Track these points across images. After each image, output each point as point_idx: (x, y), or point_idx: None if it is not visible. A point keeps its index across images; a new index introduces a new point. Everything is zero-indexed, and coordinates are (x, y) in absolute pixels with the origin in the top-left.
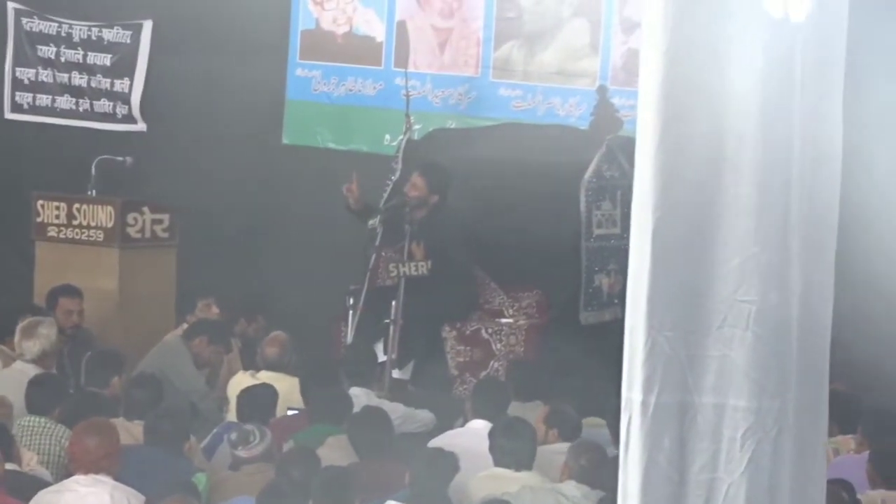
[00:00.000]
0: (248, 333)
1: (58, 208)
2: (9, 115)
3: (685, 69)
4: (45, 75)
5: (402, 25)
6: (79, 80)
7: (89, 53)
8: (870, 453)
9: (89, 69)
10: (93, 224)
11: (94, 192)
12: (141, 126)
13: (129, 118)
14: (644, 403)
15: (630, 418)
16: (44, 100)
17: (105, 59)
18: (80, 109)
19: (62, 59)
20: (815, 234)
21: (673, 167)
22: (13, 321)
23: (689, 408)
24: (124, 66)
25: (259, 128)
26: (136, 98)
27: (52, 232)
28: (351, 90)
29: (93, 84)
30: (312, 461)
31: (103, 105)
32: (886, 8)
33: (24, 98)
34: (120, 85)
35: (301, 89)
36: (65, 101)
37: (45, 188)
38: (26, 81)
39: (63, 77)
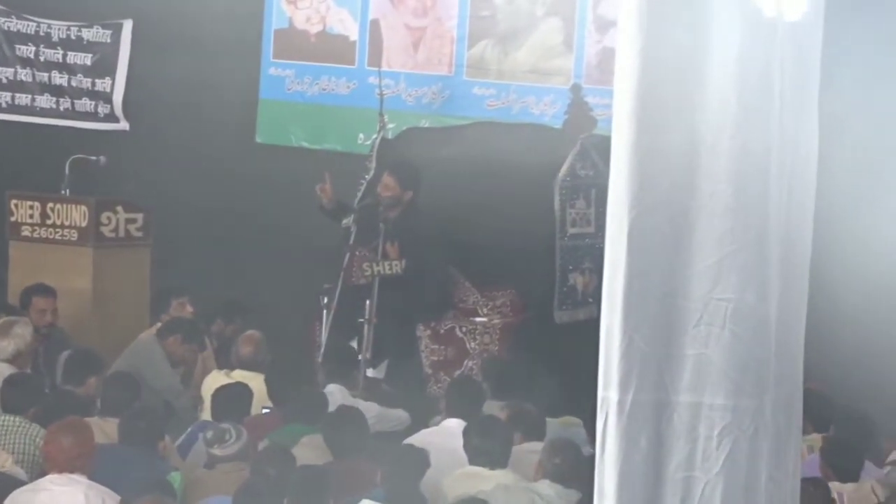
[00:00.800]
0: (226, 333)
1: (31, 207)
2: None
3: (661, 68)
4: (24, 74)
5: (375, 24)
6: (59, 79)
7: (69, 53)
8: (821, 448)
9: (69, 69)
10: (66, 223)
11: (67, 191)
12: (123, 125)
13: (111, 117)
14: (620, 402)
15: (606, 417)
16: (23, 99)
17: (85, 59)
18: (61, 108)
19: (41, 59)
20: (793, 234)
21: (649, 166)
22: None
23: (665, 406)
24: (105, 66)
25: (232, 127)
26: (117, 97)
27: (25, 231)
28: (324, 89)
29: (73, 83)
30: (288, 460)
31: (85, 104)
32: (855, 9)
33: (3, 97)
34: (101, 84)
35: (274, 88)
36: (45, 101)
37: (22, 187)
38: (4, 81)
39: (43, 76)
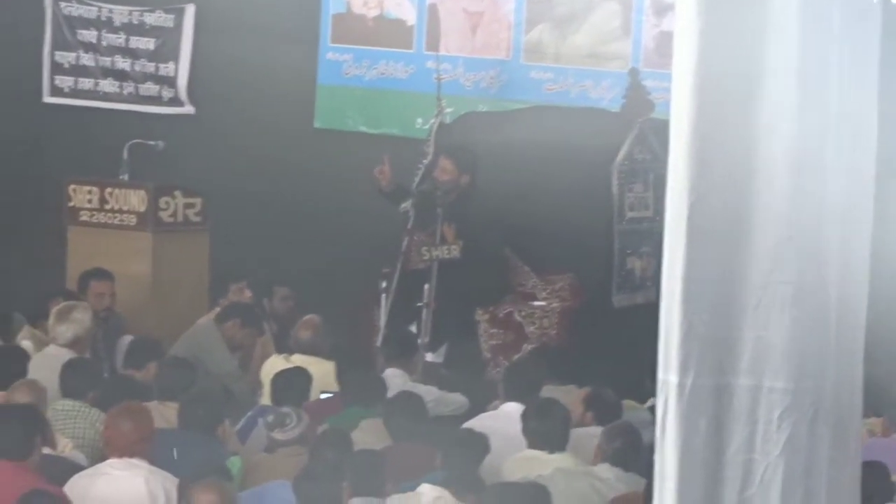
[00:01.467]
0: (276, 308)
1: (90, 193)
2: (48, 99)
3: (719, 52)
4: (87, 59)
5: (433, 8)
6: (122, 63)
7: (131, 38)
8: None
9: (132, 53)
10: (125, 208)
11: (126, 176)
12: (188, 109)
13: (175, 101)
14: (680, 385)
15: (666, 400)
16: (86, 83)
17: (148, 43)
18: (125, 93)
19: (104, 44)
20: (852, 216)
21: (707, 150)
22: (46, 305)
23: (725, 390)
24: (168, 50)
25: (291, 112)
26: (182, 81)
27: (84, 216)
28: (382, 74)
29: (137, 67)
30: (346, 443)
31: (149, 88)
32: None
33: (65, 82)
34: (164, 69)
35: (332, 73)
36: (108, 85)
37: (80, 173)
38: (66, 65)
39: (105, 61)
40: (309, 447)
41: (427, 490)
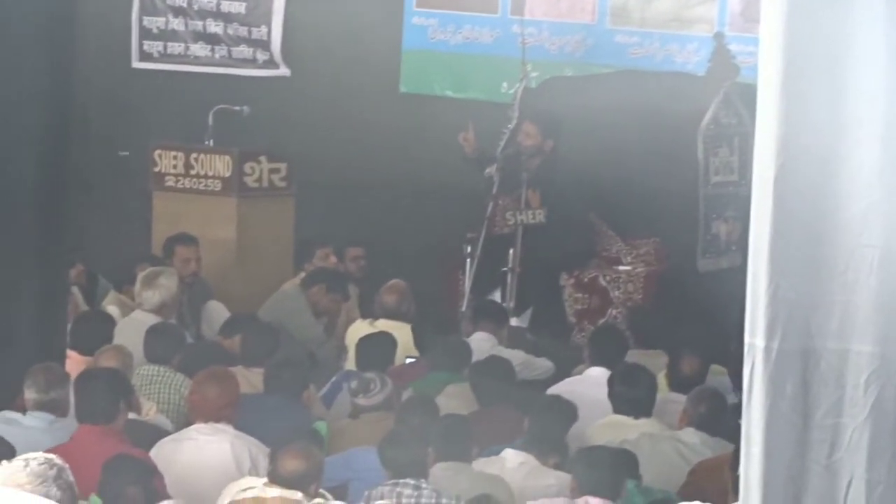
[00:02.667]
0: (351, 270)
1: (175, 158)
2: (136, 64)
3: (808, 14)
4: (177, 23)
5: None
6: (214, 27)
7: (222, 1)
8: None
9: (224, 17)
10: (210, 174)
11: (211, 141)
12: (284, 71)
13: (270, 63)
14: (767, 349)
15: (753, 364)
16: (176, 48)
17: (240, 7)
18: (217, 56)
19: (194, 7)
20: None
21: (795, 114)
22: (132, 271)
23: (812, 353)
24: (259, 14)
25: (376, 77)
26: (275, 44)
27: (169, 182)
28: (468, 38)
29: (229, 31)
30: (432, 409)
31: (242, 51)
32: None
33: (154, 47)
34: (257, 32)
35: (418, 38)
36: (199, 49)
37: (166, 138)
38: (155, 30)
39: (196, 24)
40: (394, 413)
41: (511, 455)
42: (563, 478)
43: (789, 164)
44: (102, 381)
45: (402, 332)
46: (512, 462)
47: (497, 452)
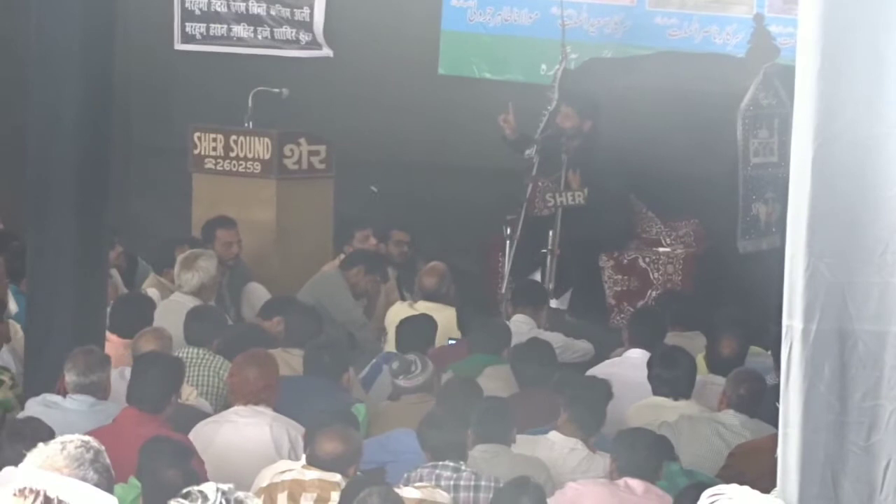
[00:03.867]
0: (393, 254)
1: (214, 140)
2: (179, 46)
3: None
4: (219, 5)
5: None
6: (257, 8)
7: None
8: None
9: None
10: (249, 156)
11: (250, 123)
12: (327, 52)
13: (313, 44)
14: (805, 331)
15: (791, 346)
16: (218, 29)
17: None
18: (259, 37)
19: None
20: None
21: (833, 95)
22: (171, 253)
23: (850, 335)
24: None
25: (415, 58)
26: (318, 24)
27: (209, 164)
28: (507, 20)
29: (272, 12)
30: (475, 391)
31: (285, 32)
32: None
33: (196, 28)
34: (300, 14)
35: (456, 19)
36: (242, 30)
37: (206, 120)
38: (197, 12)
39: (239, 6)
40: (434, 395)
41: (560, 440)
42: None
43: (827, 146)
44: (161, 369)
45: (441, 314)
46: (562, 447)
47: (544, 433)
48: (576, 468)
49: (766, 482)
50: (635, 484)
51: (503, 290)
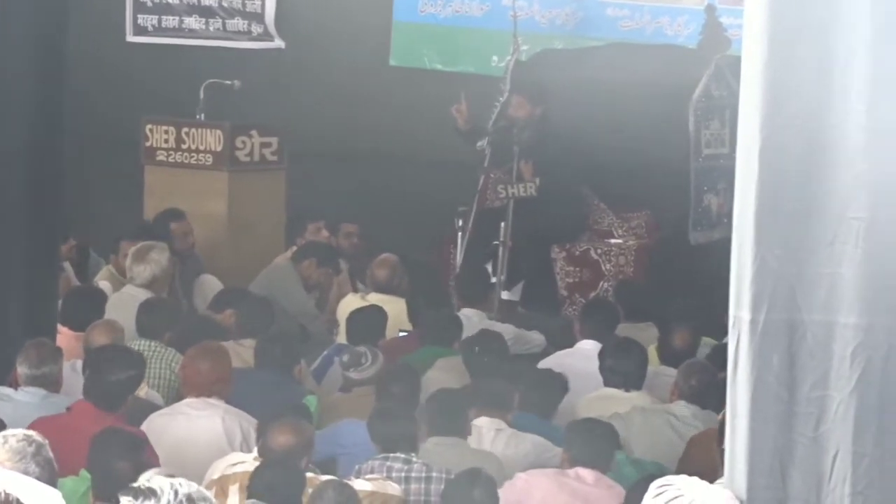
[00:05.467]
0: (343, 247)
1: (166, 132)
2: (131, 38)
3: None
4: None
5: None
6: (209, 0)
7: None
8: None
9: None
10: (201, 148)
11: (202, 115)
12: (279, 43)
13: (265, 35)
14: (753, 322)
15: (739, 337)
16: (170, 21)
17: None
18: (212, 29)
19: None
20: None
21: (780, 85)
22: (124, 245)
23: (798, 326)
24: None
25: (366, 50)
26: (269, 16)
27: (161, 156)
28: (458, 11)
29: (224, 4)
30: (413, 379)
31: (237, 24)
32: None
33: (148, 20)
34: (251, 5)
35: (408, 10)
36: (194, 22)
37: (157, 112)
38: (149, 4)
39: None
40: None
41: (486, 423)
42: (538, 442)
43: (774, 136)
44: (125, 370)
45: (393, 306)
46: (488, 430)
47: None
48: (504, 451)
49: (719, 473)
50: (586, 473)
51: (453, 283)
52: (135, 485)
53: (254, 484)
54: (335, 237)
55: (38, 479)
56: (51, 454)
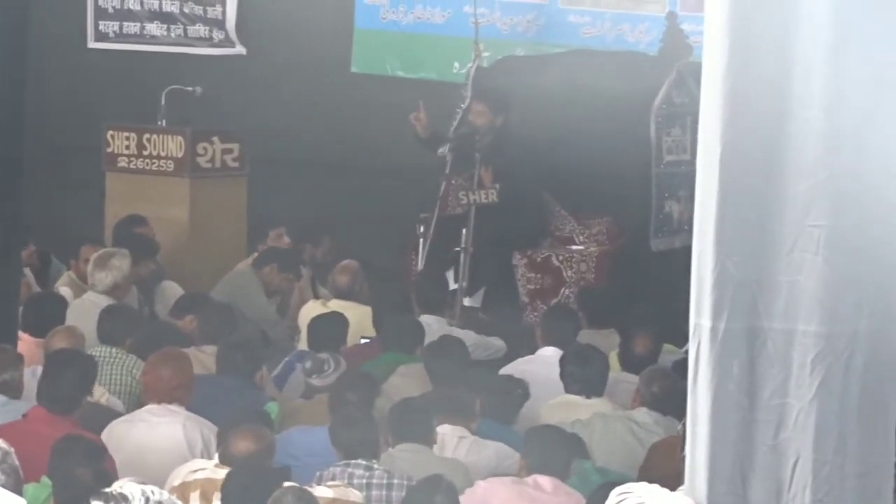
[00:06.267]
0: (317, 257)
1: (128, 138)
2: (92, 45)
3: None
4: (132, 3)
5: None
6: (170, 6)
7: None
8: None
9: None
10: (163, 154)
11: (163, 122)
12: (240, 49)
13: (226, 42)
14: (713, 329)
15: (699, 344)
16: (132, 27)
17: None
18: (173, 35)
19: None
20: (889, 156)
21: (740, 93)
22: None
23: (758, 333)
24: None
25: (328, 56)
26: (230, 22)
27: (122, 162)
28: (419, 18)
29: (185, 10)
30: (369, 384)
31: (198, 30)
32: None
33: (110, 26)
34: (212, 11)
35: (369, 17)
36: (155, 28)
37: (119, 118)
38: (110, 10)
39: (152, 4)
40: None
41: (448, 430)
42: (500, 448)
43: (734, 143)
44: (74, 370)
45: (355, 313)
46: (451, 438)
47: None
48: (466, 458)
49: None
50: (544, 481)
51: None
52: (106, 490)
53: (226, 487)
54: (314, 249)
55: (4, 486)
56: (16, 462)
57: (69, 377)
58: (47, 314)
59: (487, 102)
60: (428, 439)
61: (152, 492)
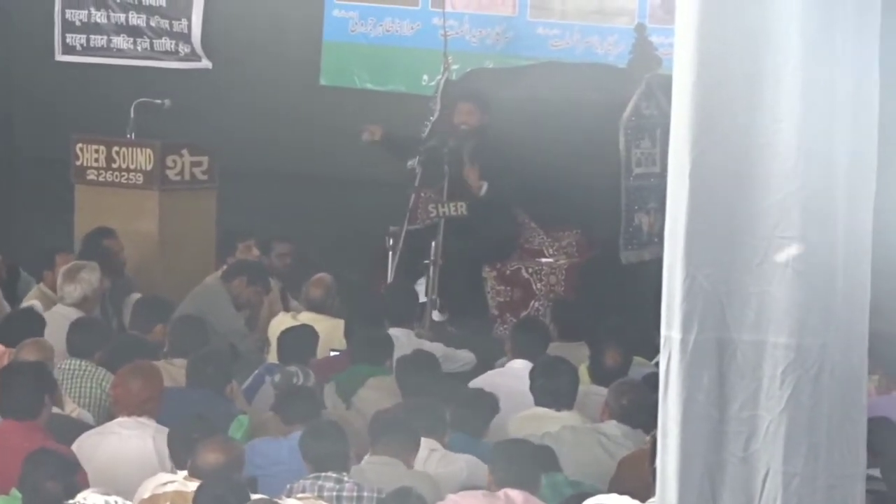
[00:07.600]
0: (277, 264)
1: (97, 151)
2: (60, 58)
3: (722, 6)
4: (99, 16)
5: None
6: (136, 20)
7: None
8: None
9: (146, 10)
10: (132, 167)
11: (132, 134)
12: (206, 63)
13: (192, 55)
14: (683, 341)
15: (669, 356)
16: (99, 41)
17: (160, 0)
18: (139, 49)
19: (116, 0)
20: (857, 171)
21: (711, 105)
22: (54, 264)
23: (728, 345)
24: (180, 6)
25: (297, 69)
26: (196, 36)
27: (91, 175)
28: (388, 31)
29: (151, 23)
30: (314, 401)
31: (164, 43)
32: None
33: (77, 39)
34: (178, 25)
35: (338, 30)
36: (122, 41)
37: (88, 131)
38: (78, 23)
39: (119, 17)
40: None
41: (423, 443)
42: (470, 461)
43: (705, 155)
44: (27, 376)
45: (324, 325)
46: (422, 451)
47: None
48: (436, 470)
49: (651, 492)
50: (515, 495)
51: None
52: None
53: (198, 499)
54: (267, 256)
55: None
56: None
57: (24, 382)
58: (24, 329)
59: (475, 102)
60: (411, 454)
61: (115, 502)
